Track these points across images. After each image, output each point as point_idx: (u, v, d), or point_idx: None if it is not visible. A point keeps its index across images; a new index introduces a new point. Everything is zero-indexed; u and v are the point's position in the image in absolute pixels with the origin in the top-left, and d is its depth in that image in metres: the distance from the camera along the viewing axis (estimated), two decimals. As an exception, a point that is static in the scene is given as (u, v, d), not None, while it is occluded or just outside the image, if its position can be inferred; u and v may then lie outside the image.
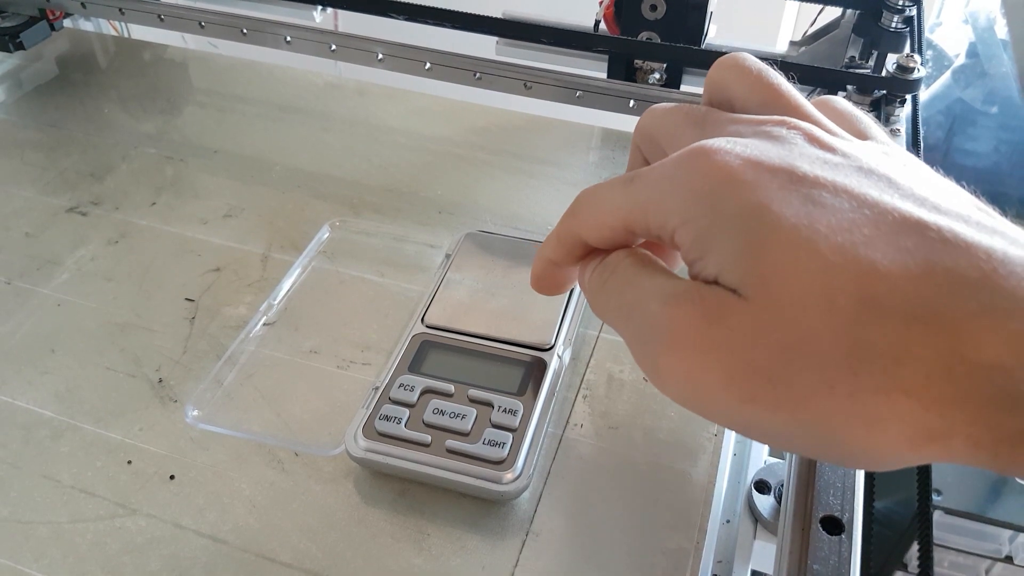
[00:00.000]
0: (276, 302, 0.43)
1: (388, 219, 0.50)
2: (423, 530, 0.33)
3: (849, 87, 0.50)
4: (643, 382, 0.39)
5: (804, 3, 0.60)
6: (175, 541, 0.33)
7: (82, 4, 0.62)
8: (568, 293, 0.41)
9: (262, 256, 0.47)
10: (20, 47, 0.63)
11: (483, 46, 0.58)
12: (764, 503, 0.40)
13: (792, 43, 0.61)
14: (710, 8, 0.54)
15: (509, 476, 0.33)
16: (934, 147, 0.99)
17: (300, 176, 0.53)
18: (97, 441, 0.37)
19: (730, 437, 0.45)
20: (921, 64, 0.48)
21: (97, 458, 0.36)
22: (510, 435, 0.34)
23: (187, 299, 0.44)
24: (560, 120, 0.59)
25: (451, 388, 0.36)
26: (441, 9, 0.53)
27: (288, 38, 0.58)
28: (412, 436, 0.34)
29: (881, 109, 0.49)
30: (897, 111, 0.49)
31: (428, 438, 0.34)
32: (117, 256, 0.47)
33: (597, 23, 0.59)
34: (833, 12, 0.58)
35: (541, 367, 0.37)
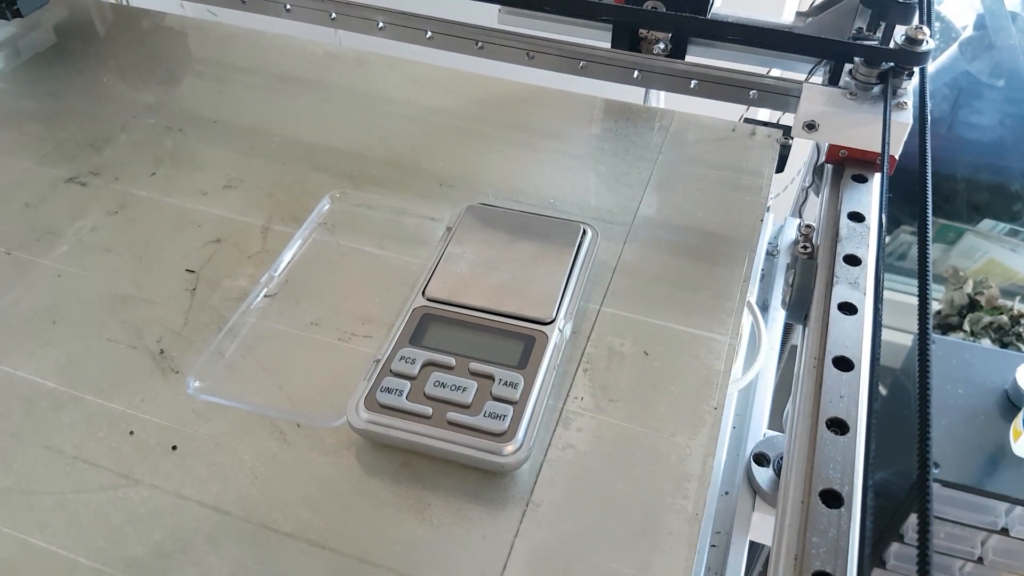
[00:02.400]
0: (277, 274, 0.43)
1: (389, 191, 0.49)
2: (424, 500, 0.34)
3: (856, 59, 0.49)
4: (644, 355, 0.39)
5: (811, -28, 0.58)
6: (177, 511, 0.33)
7: (78, -29, 0.61)
8: (568, 266, 0.41)
9: (262, 228, 0.47)
10: (17, 15, 0.62)
11: (485, 15, 0.57)
12: (763, 475, 0.41)
13: (799, 14, 0.60)
14: (716, -23, 0.53)
15: (510, 448, 0.33)
16: (939, 120, 0.98)
17: (300, 147, 0.53)
18: (99, 412, 0.37)
19: (730, 410, 0.45)
20: (930, 36, 0.47)
21: (99, 429, 0.36)
22: (511, 407, 0.34)
23: (188, 270, 0.44)
24: (563, 91, 0.58)
25: (452, 361, 0.36)
26: (442, -23, 0.53)
27: (288, 6, 0.58)
28: (413, 408, 0.34)
29: (888, 82, 0.48)
30: (904, 84, 0.48)
31: (429, 410, 0.34)
32: (117, 227, 0.47)
33: (601, -8, 0.58)
34: (841, -18, 0.57)
35: (542, 340, 0.37)
